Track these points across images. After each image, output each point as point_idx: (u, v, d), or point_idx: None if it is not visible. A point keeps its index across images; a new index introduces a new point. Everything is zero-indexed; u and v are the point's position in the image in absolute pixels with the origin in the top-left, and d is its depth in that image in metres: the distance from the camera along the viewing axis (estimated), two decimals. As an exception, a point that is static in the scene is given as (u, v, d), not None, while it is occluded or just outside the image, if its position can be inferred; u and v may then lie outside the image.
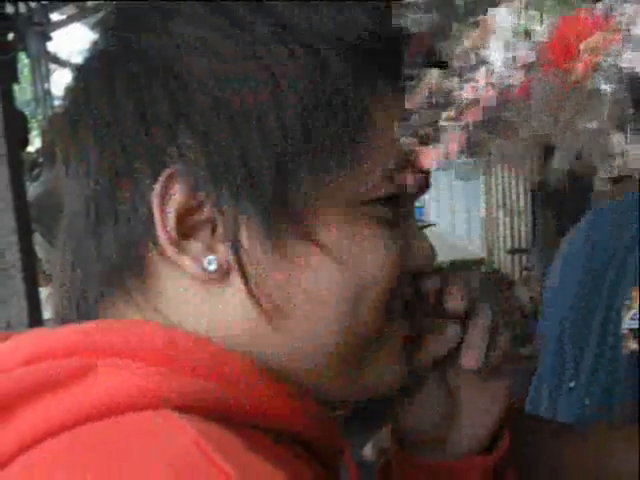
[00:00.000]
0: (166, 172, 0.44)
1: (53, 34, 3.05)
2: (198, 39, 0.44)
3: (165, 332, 0.43)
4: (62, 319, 0.50)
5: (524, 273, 6.02)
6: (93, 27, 0.50)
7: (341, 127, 0.45)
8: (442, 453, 0.59)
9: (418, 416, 0.58)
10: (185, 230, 0.44)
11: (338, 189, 0.45)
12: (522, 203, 6.75)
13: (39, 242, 3.18)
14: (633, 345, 0.93)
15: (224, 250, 0.45)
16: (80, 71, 0.49)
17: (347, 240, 0.46)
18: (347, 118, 0.45)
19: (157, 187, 0.44)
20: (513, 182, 6.94)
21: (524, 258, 6.51)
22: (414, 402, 0.57)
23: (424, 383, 0.57)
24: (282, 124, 0.44)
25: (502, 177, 7.28)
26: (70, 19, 7.02)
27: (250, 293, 0.45)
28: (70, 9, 6.80)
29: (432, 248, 0.53)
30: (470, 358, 0.55)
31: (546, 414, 1.08)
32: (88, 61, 0.49)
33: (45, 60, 3.18)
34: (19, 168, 2.33)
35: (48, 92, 3.30)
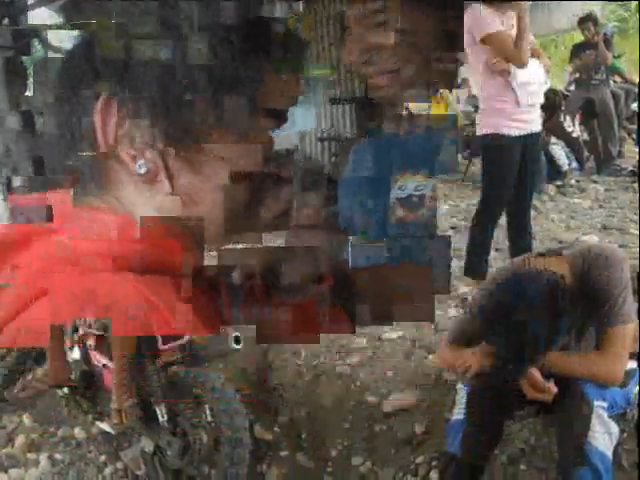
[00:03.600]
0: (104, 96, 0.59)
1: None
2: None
3: (117, 218, 0.62)
4: None
5: (333, 159, 6.22)
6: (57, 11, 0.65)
7: (238, 77, 0.58)
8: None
9: None
10: (119, 139, 0.60)
11: (230, 121, 0.60)
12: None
13: None
14: (400, 213, 1.08)
15: (151, 156, 0.61)
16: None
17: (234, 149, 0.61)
18: (236, 68, 0.58)
19: (98, 104, 0.59)
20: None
21: (333, 146, 6.69)
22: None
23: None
24: (190, 75, 0.58)
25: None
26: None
27: (173, 188, 0.62)
28: None
29: (272, 141, 0.66)
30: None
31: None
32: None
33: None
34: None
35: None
